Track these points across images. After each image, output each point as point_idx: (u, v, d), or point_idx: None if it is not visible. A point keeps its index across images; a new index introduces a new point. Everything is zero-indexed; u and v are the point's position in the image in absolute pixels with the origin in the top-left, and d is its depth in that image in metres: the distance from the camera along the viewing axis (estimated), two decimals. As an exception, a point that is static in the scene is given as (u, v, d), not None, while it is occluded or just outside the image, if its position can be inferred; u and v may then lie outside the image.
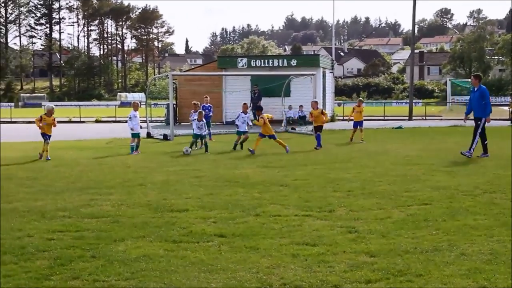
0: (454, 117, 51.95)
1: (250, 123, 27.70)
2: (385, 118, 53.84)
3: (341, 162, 21.08)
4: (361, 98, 34.86)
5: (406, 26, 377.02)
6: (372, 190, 15.42)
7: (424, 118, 54.23)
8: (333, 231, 11.06)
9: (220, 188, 16.15)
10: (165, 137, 32.88)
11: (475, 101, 22.64)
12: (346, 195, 14.82)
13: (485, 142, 22.54)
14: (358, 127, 30.61)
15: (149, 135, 34.92)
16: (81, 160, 23.28)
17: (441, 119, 51.17)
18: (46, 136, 24.87)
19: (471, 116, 23.20)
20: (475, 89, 22.87)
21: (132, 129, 26.42)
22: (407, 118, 54.56)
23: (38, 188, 16.48)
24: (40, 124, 25.13)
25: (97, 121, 58.00)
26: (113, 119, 59.61)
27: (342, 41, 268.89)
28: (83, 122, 57.81)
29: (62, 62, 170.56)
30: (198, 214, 12.67)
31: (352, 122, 31.43)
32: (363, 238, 10.53)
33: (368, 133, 35.95)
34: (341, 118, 53.08)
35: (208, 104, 33.09)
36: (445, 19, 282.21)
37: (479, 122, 22.56)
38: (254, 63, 49.66)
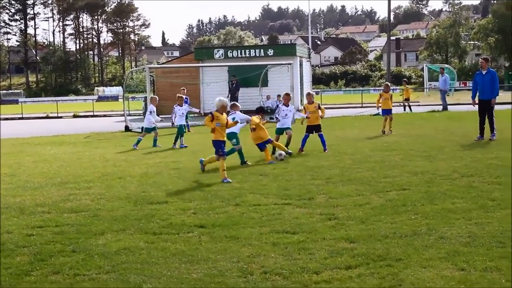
0: (431, 102, 52.14)
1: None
2: (363, 105, 53.89)
3: (320, 150, 21.09)
4: (387, 83, 29.76)
5: (382, 13, 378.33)
6: (351, 177, 15.49)
7: (401, 104, 54.41)
8: (313, 219, 11.12)
9: (199, 179, 16.16)
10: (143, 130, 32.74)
11: (486, 84, 22.78)
12: (325, 182, 14.88)
13: (483, 126, 22.78)
14: (388, 115, 27.11)
15: (127, 129, 34.83)
16: (59, 155, 23.19)
17: (419, 105, 51.28)
18: (220, 145, 16.76)
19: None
20: (483, 72, 22.98)
21: (153, 123, 26.16)
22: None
23: (16, 184, 16.41)
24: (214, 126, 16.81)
25: (75, 116, 57.76)
26: (91, 113, 59.38)
27: (318, 30, 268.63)
28: (61, 117, 57.53)
29: (38, 57, 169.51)
30: (177, 206, 12.69)
31: (380, 110, 27.87)
32: (342, 224, 10.60)
33: (347, 120, 36.06)
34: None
35: (185, 96, 33.00)
36: (421, 5, 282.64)
37: (491, 105, 22.74)
38: (231, 54, 49.62)
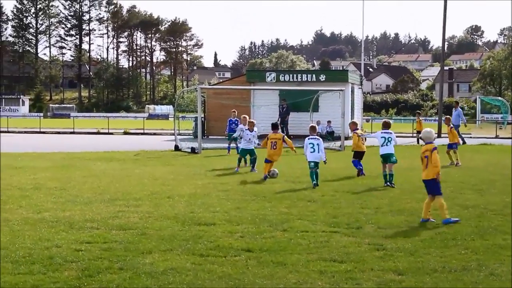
0: (483, 135, 51.60)
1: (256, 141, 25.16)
2: (414, 135, 53.47)
3: (369, 178, 21.02)
4: (448, 116, 30.30)
5: (435, 42, 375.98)
6: (400, 207, 15.38)
7: (415, 136, 53.90)
8: (361, 248, 11.04)
9: (248, 202, 16.17)
10: (193, 150, 32.92)
11: None
12: (374, 211, 14.79)
13: None
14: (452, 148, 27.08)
15: (177, 148, 35.01)
16: (109, 171, 23.38)
17: (471, 137, 50.78)
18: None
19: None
20: None
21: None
22: (436, 135, 54.20)
23: (66, 198, 16.59)
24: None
25: (125, 133, 58.23)
26: (141, 131, 59.83)
27: (371, 57, 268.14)
28: (111, 133, 58.07)
29: (91, 73, 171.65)
30: (225, 228, 12.70)
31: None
32: (391, 255, 10.51)
33: (397, 150, 35.78)
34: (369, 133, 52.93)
35: (236, 119, 33.14)
36: (475, 36, 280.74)
37: None
38: (283, 77, 49.68)
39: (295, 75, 50.83)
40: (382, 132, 20.83)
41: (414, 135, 43.56)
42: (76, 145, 38.71)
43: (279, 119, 42.78)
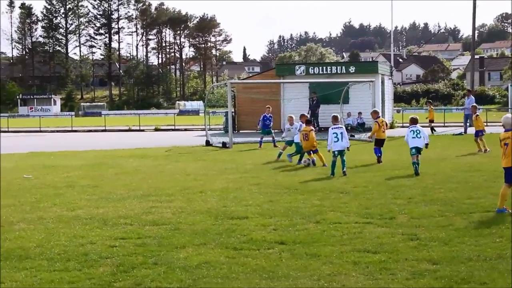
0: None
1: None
2: (445, 124, 53.16)
3: (401, 169, 20.93)
4: (474, 104, 31.24)
5: (465, 31, 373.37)
6: (433, 197, 15.29)
7: (485, 124, 53.48)
8: (395, 239, 11.01)
9: (280, 195, 16.17)
10: (224, 145, 32.98)
11: None
12: (406, 202, 14.72)
13: None
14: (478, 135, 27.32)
15: (208, 143, 35.08)
16: (141, 168, 23.49)
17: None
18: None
19: None
20: None
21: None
22: (468, 124, 53.73)
23: (99, 195, 16.70)
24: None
25: (156, 130, 58.45)
26: (172, 127, 60.01)
27: (400, 47, 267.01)
28: (143, 130, 58.33)
29: (121, 71, 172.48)
30: (258, 222, 12.71)
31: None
32: (425, 245, 10.46)
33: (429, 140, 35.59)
34: (401, 125, 52.59)
35: (269, 114, 33.24)
36: (506, 24, 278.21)
37: None
38: (312, 70, 49.54)
39: (324, 67, 50.67)
40: (409, 128, 21.12)
41: (432, 124, 42.82)
42: (108, 143, 38.94)
43: (309, 112, 42.66)
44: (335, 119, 21.68)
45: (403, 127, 49.47)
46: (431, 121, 43.09)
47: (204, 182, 18.97)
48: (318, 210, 13.88)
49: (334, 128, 21.14)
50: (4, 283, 8.83)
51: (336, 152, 20.68)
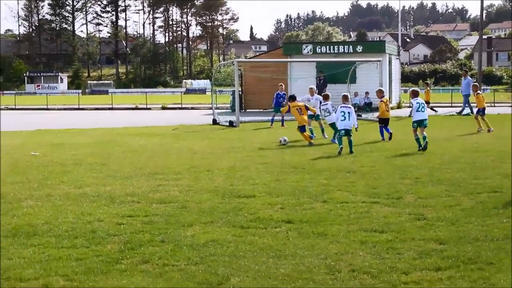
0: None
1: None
2: (453, 104, 53.05)
3: (408, 149, 20.91)
4: (475, 83, 32.31)
5: (473, 11, 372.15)
6: (440, 177, 15.27)
7: (493, 105, 53.31)
8: (401, 218, 11.02)
9: (287, 174, 16.18)
10: (231, 124, 33.00)
11: None
12: (414, 182, 14.71)
13: None
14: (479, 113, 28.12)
15: (215, 122, 35.09)
16: (148, 146, 23.52)
17: (510, 106, 50.23)
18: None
19: None
20: None
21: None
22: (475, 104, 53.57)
23: (106, 173, 16.72)
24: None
25: (163, 108, 58.45)
26: (179, 106, 60.02)
27: (408, 27, 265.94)
28: (149, 109, 58.35)
29: (128, 49, 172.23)
30: (265, 200, 12.73)
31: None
32: (431, 225, 10.47)
33: (435, 120, 35.58)
34: (408, 105, 52.52)
35: (283, 92, 33.38)
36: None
37: None
38: (319, 49, 49.42)
39: (331, 47, 50.54)
40: (414, 100, 21.60)
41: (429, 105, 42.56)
42: (115, 121, 39.00)
43: (317, 91, 42.59)
44: (345, 98, 21.86)
45: (409, 107, 49.34)
46: (427, 102, 42.85)
47: (211, 161, 18.98)
48: (325, 189, 13.89)
49: (343, 107, 21.34)
50: (12, 259, 8.87)
51: (342, 131, 20.83)
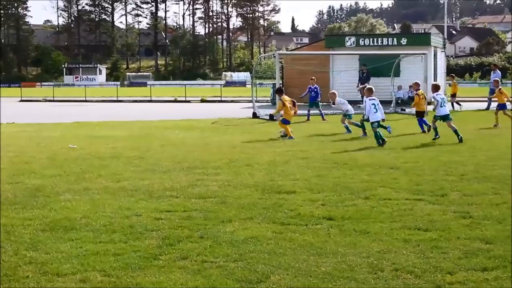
0: None
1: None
2: (449, 98, 52.38)
3: (453, 145, 20.74)
4: (496, 79, 32.26)
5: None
6: (486, 174, 15.11)
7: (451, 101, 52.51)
8: (446, 216, 10.91)
9: (328, 170, 16.11)
10: (271, 117, 32.96)
11: None
12: (459, 179, 14.56)
13: None
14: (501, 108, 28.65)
15: (255, 115, 35.11)
16: (187, 140, 23.60)
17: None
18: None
19: None
20: None
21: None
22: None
23: (145, 167, 16.79)
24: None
25: (202, 101, 58.64)
26: (219, 98, 60.17)
27: (454, 19, 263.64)
28: (189, 101, 58.59)
29: (167, 41, 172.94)
30: (306, 196, 12.68)
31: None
32: (478, 224, 10.35)
33: (482, 115, 35.25)
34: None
35: (315, 86, 33.28)
36: None
37: None
38: (363, 42, 49.15)
39: (375, 39, 50.27)
40: (437, 95, 22.51)
41: (455, 99, 41.97)
42: (153, 114, 39.20)
43: (359, 84, 42.41)
44: (370, 91, 22.26)
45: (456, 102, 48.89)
46: (454, 95, 42.34)
47: (251, 155, 18.98)
48: (368, 185, 13.81)
49: (372, 99, 21.91)
50: (50, 253, 8.93)
51: (376, 124, 21.37)
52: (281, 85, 30.73)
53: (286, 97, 25.50)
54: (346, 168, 16.29)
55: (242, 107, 47.12)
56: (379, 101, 22.11)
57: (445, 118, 22.22)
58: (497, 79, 32.33)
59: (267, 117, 33.48)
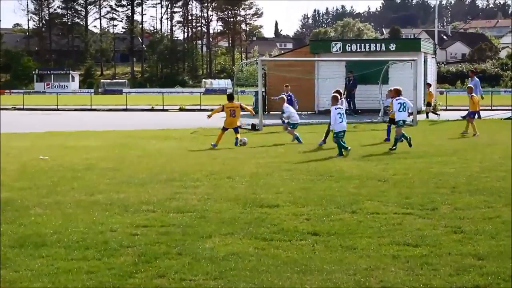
0: None
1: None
2: (493, 107, 52.80)
3: (445, 155, 20.84)
4: (470, 85, 33.16)
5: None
6: (479, 186, 15.18)
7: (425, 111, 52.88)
8: (437, 231, 10.96)
9: (313, 182, 16.14)
10: (253, 127, 33.03)
11: None
12: (450, 191, 14.64)
13: None
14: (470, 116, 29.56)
15: (235, 125, 35.10)
16: (165, 151, 23.59)
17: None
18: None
19: None
20: None
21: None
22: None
23: (120, 179, 16.76)
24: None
25: (181, 109, 58.60)
26: (198, 107, 60.10)
27: (445, 24, 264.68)
28: (166, 110, 58.51)
29: (144, 46, 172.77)
30: (290, 210, 12.70)
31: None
32: (470, 239, 10.40)
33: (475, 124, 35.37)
34: (444, 107, 52.31)
35: (290, 93, 33.59)
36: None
37: None
38: (349, 47, 49.20)
39: (362, 44, 50.34)
40: (397, 100, 23.41)
41: (429, 108, 41.95)
42: (129, 123, 39.16)
43: (345, 92, 42.50)
44: (335, 99, 22.63)
45: (446, 109, 49.19)
46: (429, 104, 42.29)
47: (232, 167, 18.98)
48: (355, 199, 13.83)
49: (338, 108, 22.35)
50: (19, 271, 8.90)
51: (342, 133, 21.92)
52: (231, 92, 31.56)
53: (232, 103, 26.65)
54: (332, 180, 16.33)
55: (223, 116, 47.05)
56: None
57: (397, 123, 23.17)
58: (471, 86, 32.95)
59: (249, 127, 33.50)
